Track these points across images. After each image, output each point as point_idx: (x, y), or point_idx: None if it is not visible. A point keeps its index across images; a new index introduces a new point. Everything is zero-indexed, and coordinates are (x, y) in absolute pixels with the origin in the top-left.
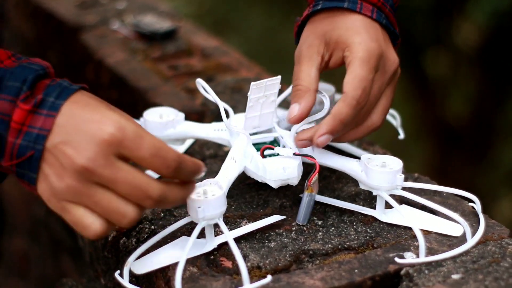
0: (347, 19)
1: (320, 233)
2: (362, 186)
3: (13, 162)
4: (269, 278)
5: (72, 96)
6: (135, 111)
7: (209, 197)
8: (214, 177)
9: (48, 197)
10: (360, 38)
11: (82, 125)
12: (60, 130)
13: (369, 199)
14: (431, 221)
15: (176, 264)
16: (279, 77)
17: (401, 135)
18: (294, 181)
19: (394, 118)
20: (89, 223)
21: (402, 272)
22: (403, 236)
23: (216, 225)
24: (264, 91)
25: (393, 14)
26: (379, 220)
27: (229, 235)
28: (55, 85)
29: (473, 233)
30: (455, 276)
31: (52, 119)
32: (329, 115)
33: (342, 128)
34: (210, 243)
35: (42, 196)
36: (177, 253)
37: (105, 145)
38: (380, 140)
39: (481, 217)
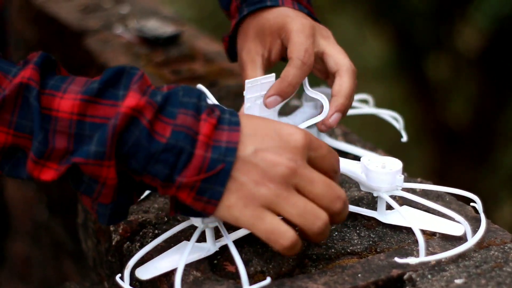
0: (274, 13)
1: None
2: (362, 188)
3: (201, 177)
4: (268, 280)
5: (241, 113)
6: None
7: None
8: None
9: (240, 207)
10: (290, 18)
11: (274, 133)
12: (250, 141)
13: (373, 203)
14: (432, 221)
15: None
16: (273, 74)
17: (404, 138)
18: None
19: (397, 121)
20: (285, 230)
21: (405, 276)
22: (406, 241)
23: (217, 229)
24: (260, 90)
25: (310, 5)
26: (382, 225)
27: (228, 238)
28: (218, 104)
29: (475, 234)
30: (458, 281)
31: (237, 133)
32: (278, 79)
33: (290, 90)
34: (211, 247)
35: (226, 214)
36: (180, 258)
37: (301, 148)
38: (381, 144)
39: (482, 216)
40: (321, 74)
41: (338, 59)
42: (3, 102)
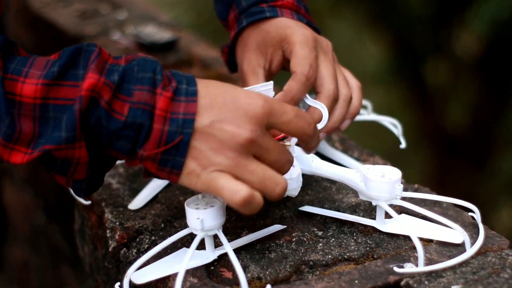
0: (274, 24)
1: (320, 244)
2: (361, 197)
3: (160, 150)
4: (268, 287)
5: (198, 81)
6: None
7: (208, 208)
8: None
9: (198, 173)
10: (292, 30)
11: (231, 103)
12: (207, 111)
13: (370, 210)
14: (430, 229)
15: (176, 275)
16: (271, 82)
17: (403, 144)
18: (294, 193)
19: (396, 127)
20: (238, 188)
21: (402, 283)
22: (403, 247)
23: (216, 236)
24: None
25: (308, 14)
26: (379, 231)
27: (228, 246)
28: (176, 73)
29: (473, 244)
30: (455, 287)
31: (194, 104)
32: (281, 92)
33: (293, 105)
34: (210, 254)
35: (189, 177)
36: (177, 264)
37: (260, 117)
38: (380, 149)
39: (481, 226)
40: None
41: (326, 83)
42: None
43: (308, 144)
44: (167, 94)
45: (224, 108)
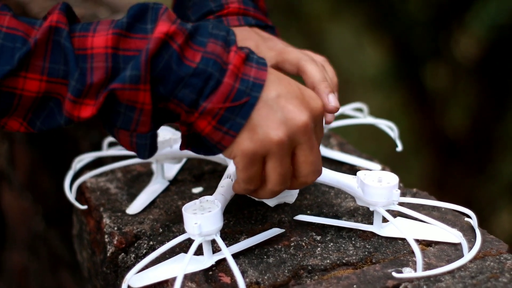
0: None
1: (319, 249)
2: (359, 202)
3: (226, 105)
4: None
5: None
6: None
7: (206, 213)
8: (212, 192)
9: (246, 150)
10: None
11: (298, 90)
12: (274, 86)
13: (368, 214)
14: (428, 231)
15: (174, 280)
16: None
17: (399, 147)
18: (291, 199)
19: (392, 130)
20: (256, 182)
21: (401, 287)
22: (401, 252)
23: (214, 241)
24: None
25: (261, 13)
26: (377, 236)
27: (226, 251)
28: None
29: (471, 248)
30: None
31: (265, 72)
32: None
33: None
34: (208, 260)
35: (238, 149)
36: (175, 269)
37: (317, 113)
38: (378, 153)
39: (477, 231)
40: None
41: (293, 59)
42: (35, 47)
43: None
44: (242, 54)
45: (291, 89)
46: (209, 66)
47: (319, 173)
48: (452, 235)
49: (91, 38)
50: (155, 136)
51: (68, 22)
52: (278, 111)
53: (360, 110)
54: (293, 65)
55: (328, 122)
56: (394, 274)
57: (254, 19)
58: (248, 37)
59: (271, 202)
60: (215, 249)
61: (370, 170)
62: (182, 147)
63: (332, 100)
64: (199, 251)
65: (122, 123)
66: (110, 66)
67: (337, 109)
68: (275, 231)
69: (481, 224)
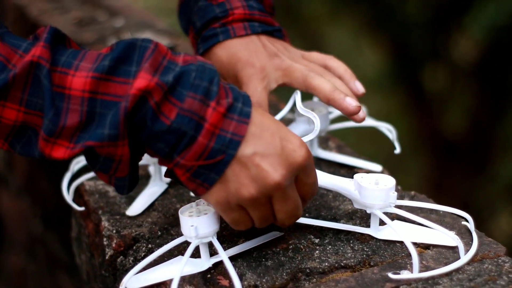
0: (226, 50)
1: (317, 252)
2: (356, 205)
3: (199, 163)
4: None
5: (254, 107)
6: None
7: (202, 215)
8: None
9: (220, 201)
10: (241, 64)
11: (279, 143)
12: (253, 141)
13: (366, 217)
14: (425, 234)
15: (171, 282)
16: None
17: (397, 149)
18: None
19: (390, 132)
20: (246, 224)
21: None
22: (399, 254)
23: (212, 244)
24: None
25: (267, 14)
26: (375, 238)
27: (223, 254)
28: (233, 87)
29: (468, 251)
30: None
31: (245, 126)
32: None
33: None
34: (206, 262)
35: (211, 199)
36: (172, 271)
37: (296, 167)
38: (377, 156)
39: (474, 234)
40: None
41: (299, 78)
42: (13, 80)
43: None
44: (221, 109)
45: (270, 145)
46: (183, 124)
47: (296, 218)
48: (449, 238)
49: (71, 77)
50: (134, 173)
51: (53, 52)
52: (252, 169)
53: None
54: (301, 84)
55: (360, 120)
56: (390, 275)
57: (260, 24)
58: (254, 55)
59: None
60: (214, 252)
61: (371, 171)
62: (166, 175)
63: (351, 102)
64: (197, 254)
65: (101, 169)
66: (85, 110)
67: (359, 108)
68: (273, 235)
69: (479, 226)
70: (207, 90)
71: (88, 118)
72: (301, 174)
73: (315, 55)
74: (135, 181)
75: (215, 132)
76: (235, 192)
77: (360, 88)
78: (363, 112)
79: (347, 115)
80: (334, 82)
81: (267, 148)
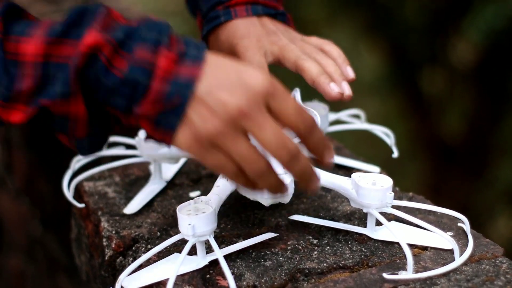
0: (226, 30)
1: (316, 252)
2: (352, 204)
3: (158, 110)
4: None
5: (210, 52)
6: (130, 130)
7: (200, 214)
8: None
9: (189, 142)
10: (237, 39)
11: (234, 74)
12: (210, 78)
13: (364, 218)
14: (421, 236)
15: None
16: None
17: (395, 154)
18: (286, 199)
19: (388, 137)
20: (229, 166)
21: None
22: (397, 255)
23: (209, 242)
24: None
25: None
26: (373, 239)
27: (219, 252)
28: (188, 38)
29: (464, 252)
30: None
31: (199, 69)
32: None
33: None
34: (202, 260)
35: (180, 143)
36: (169, 269)
37: (258, 92)
38: (375, 158)
39: (469, 235)
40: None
41: (291, 58)
42: None
43: (307, 142)
44: (171, 55)
45: (227, 77)
46: (136, 74)
47: (288, 150)
48: (445, 240)
49: (25, 44)
50: (94, 137)
51: (6, 23)
52: (210, 102)
53: (357, 116)
54: (292, 64)
55: (348, 98)
56: (386, 275)
57: (263, 7)
58: (252, 31)
59: (265, 202)
60: (211, 250)
61: (368, 172)
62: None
63: (334, 88)
64: (194, 252)
65: (59, 129)
66: (39, 74)
67: (341, 95)
68: (268, 235)
69: (477, 229)
70: (157, 40)
71: (42, 81)
72: (271, 102)
73: (314, 39)
74: (98, 144)
75: (169, 78)
76: (200, 129)
77: (350, 73)
78: (348, 95)
79: (329, 100)
80: (326, 62)
81: (223, 80)
